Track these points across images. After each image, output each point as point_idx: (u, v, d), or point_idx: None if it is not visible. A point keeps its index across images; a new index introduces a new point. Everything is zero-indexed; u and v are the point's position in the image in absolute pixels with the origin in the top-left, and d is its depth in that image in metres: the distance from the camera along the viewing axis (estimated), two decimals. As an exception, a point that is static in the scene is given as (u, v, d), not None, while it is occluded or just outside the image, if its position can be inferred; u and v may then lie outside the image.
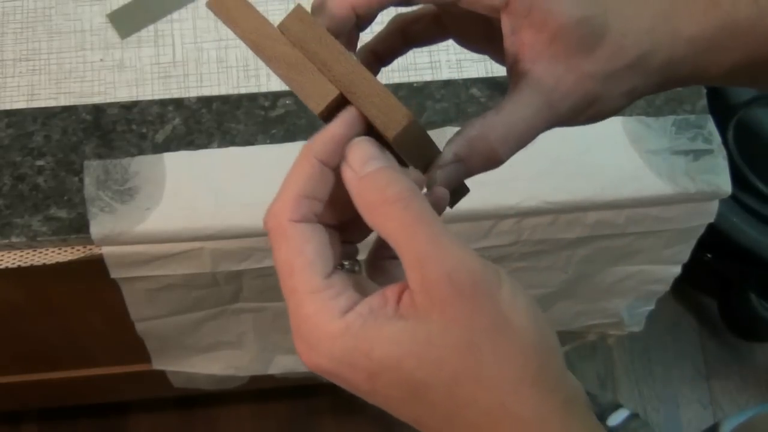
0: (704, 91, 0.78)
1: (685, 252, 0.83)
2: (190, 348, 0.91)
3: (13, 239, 0.69)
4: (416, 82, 0.76)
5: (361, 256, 0.40)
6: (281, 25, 0.37)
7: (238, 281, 0.79)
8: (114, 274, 0.73)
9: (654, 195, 0.73)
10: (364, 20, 0.39)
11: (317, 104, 0.36)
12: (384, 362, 0.33)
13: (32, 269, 0.71)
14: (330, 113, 0.36)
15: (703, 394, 1.48)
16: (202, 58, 0.75)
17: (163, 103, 0.74)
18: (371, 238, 0.39)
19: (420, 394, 0.33)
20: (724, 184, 0.74)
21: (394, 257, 0.34)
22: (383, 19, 0.42)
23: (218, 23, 0.38)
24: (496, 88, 0.76)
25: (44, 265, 0.71)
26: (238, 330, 0.90)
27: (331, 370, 0.34)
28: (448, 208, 0.40)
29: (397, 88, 0.75)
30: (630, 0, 0.39)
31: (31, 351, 1.00)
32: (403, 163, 0.38)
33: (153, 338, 0.87)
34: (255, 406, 1.39)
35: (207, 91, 0.74)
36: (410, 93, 0.75)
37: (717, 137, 0.76)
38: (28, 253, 0.70)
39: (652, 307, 0.95)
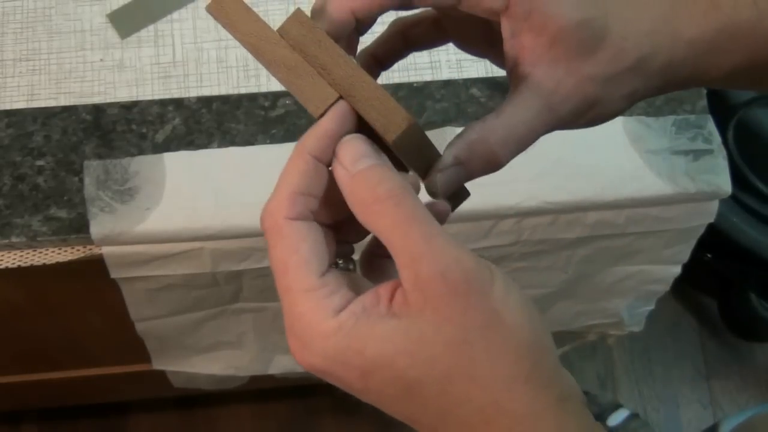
0: (704, 91, 0.78)
1: (685, 252, 0.83)
2: (190, 348, 0.91)
3: (13, 239, 0.69)
4: (416, 82, 0.76)
5: (357, 255, 0.40)
6: (281, 28, 0.37)
7: (238, 281, 0.79)
8: (114, 274, 0.73)
9: (654, 195, 0.73)
10: (363, 24, 0.39)
11: (317, 108, 0.36)
12: (377, 361, 0.33)
13: (32, 269, 0.71)
14: None
15: (703, 394, 1.48)
16: (202, 58, 0.75)
17: (163, 103, 0.74)
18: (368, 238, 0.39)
19: (413, 392, 0.33)
20: (724, 184, 0.74)
21: (389, 255, 0.34)
22: (385, 19, 0.42)
23: (218, 24, 0.38)
24: (496, 88, 0.76)
25: (44, 265, 0.71)
26: (238, 330, 0.90)
27: (325, 368, 0.34)
28: None
29: (397, 89, 0.75)
30: (630, 3, 0.39)
31: (31, 351, 1.00)
32: (403, 166, 0.38)
33: (153, 338, 0.87)
34: (255, 406, 1.39)
35: (207, 91, 0.74)
36: (410, 93, 0.75)
37: (717, 137, 0.76)
38: (28, 253, 0.70)
39: (652, 307, 0.95)
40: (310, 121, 0.36)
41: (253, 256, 0.74)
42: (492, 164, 0.39)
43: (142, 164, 0.71)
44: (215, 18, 0.37)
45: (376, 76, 0.44)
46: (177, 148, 0.72)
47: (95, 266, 0.71)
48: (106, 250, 0.70)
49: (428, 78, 0.76)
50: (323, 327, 0.33)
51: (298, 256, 0.34)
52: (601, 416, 1.26)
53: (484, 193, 0.71)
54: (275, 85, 0.74)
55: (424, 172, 0.39)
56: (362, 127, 0.37)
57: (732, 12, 0.39)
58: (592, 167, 0.73)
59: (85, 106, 0.73)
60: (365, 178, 0.34)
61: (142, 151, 0.72)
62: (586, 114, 0.39)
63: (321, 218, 0.37)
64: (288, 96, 0.73)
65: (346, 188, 0.35)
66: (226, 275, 0.77)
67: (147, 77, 0.75)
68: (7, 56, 0.75)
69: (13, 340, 0.95)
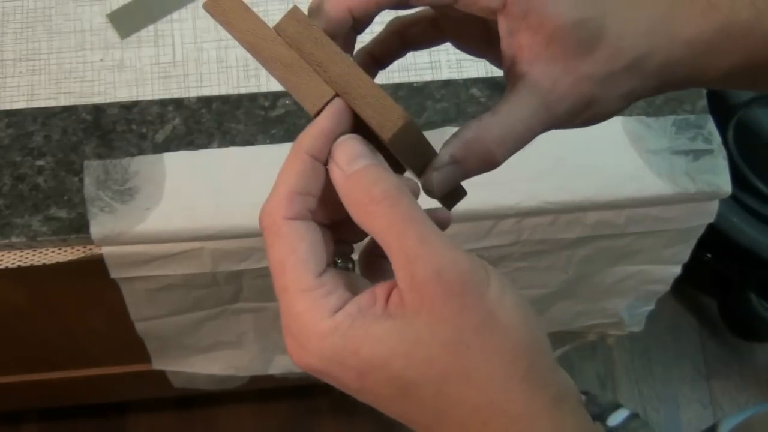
0: (704, 91, 0.78)
1: (685, 252, 0.83)
2: (190, 348, 0.92)
3: (13, 239, 0.69)
4: (416, 82, 0.76)
5: (356, 255, 0.40)
6: (277, 26, 0.37)
7: (238, 281, 0.79)
8: (114, 274, 0.73)
9: (654, 195, 0.73)
10: (360, 23, 0.39)
11: (313, 105, 0.36)
12: (372, 361, 0.33)
13: (32, 269, 0.71)
14: None
15: (703, 394, 1.48)
16: (202, 58, 0.76)
17: (163, 103, 0.74)
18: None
19: (409, 393, 0.33)
20: (724, 184, 0.74)
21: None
22: (383, 19, 0.42)
23: (216, 22, 0.38)
24: (496, 88, 0.76)
25: (44, 265, 0.71)
26: (238, 330, 0.90)
27: (321, 368, 0.34)
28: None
29: (397, 88, 0.75)
30: (627, 2, 0.39)
31: (31, 351, 1.00)
32: (399, 165, 0.38)
33: (153, 338, 0.87)
34: (255, 406, 1.39)
35: (207, 91, 0.74)
36: (410, 93, 0.76)
37: (717, 137, 0.76)
38: (28, 253, 0.71)
39: (652, 307, 0.95)
40: (310, 121, 0.36)
41: (253, 256, 0.74)
42: (488, 163, 0.39)
43: (142, 164, 0.71)
44: (212, 15, 0.37)
45: (373, 75, 0.44)
46: (177, 148, 0.72)
47: (95, 266, 0.71)
48: (106, 250, 0.70)
49: (428, 78, 0.76)
50: (319, 327, 0.33)
51: (296, 256, 0.34)
52: (601, 416, 1.26)
53: (484, 193, 0.71)
54: (275, 85, 0.74)
55: (421, 171, 0.38)
56: (358, 125, 0.37)
57: (730, 12, 0.39)
58: (592, 167, 0.73)
59: (85, 106, 0.73)
60: (361, 179, 0.34)
61: (142, 151, 0.72)
62: (582, 113, 0.39)
63: (319, 218, 0.37)
64: (288, 96, 0.73)
65: (342, 189, 0.35)
66: (226, 275, 0.77)
67: (147, 77, 0.75)
68: (7, 56, 0.75)
69: (13, 340, 0.95)
